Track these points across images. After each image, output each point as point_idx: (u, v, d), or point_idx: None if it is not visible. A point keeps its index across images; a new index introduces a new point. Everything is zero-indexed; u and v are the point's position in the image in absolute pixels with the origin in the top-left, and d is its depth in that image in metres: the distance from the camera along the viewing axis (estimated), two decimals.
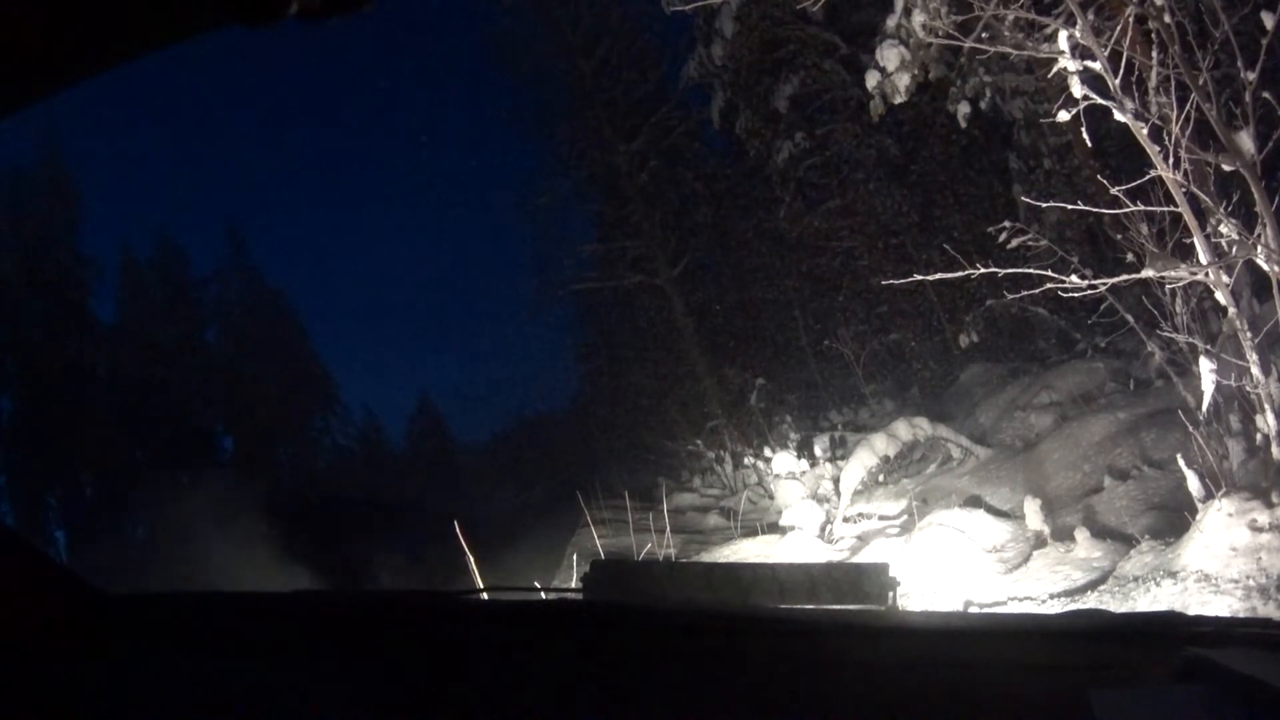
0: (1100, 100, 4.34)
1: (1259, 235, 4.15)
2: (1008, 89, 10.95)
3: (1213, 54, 4.31)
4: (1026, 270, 4.78)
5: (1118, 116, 4.33)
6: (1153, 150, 4.26)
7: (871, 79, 8.99)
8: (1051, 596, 4.91)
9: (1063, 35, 4.45)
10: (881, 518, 7.83)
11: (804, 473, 9.68)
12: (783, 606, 1.40)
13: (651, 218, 16.58)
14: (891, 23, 8.36)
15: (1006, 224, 6.30)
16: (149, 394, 20.69)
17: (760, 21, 14.11)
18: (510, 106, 21.59)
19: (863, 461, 8.05)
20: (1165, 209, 4.51)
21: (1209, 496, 4.57)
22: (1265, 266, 4.17)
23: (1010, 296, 6.32)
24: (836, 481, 8.48)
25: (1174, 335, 4.99)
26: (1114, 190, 4.45)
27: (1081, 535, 5.43)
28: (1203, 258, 4.33)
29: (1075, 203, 5.17)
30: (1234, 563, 4.04)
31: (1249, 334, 4.28)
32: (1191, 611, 3.65)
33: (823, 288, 15.72)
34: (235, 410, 21.42)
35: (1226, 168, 4.24)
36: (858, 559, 6.50)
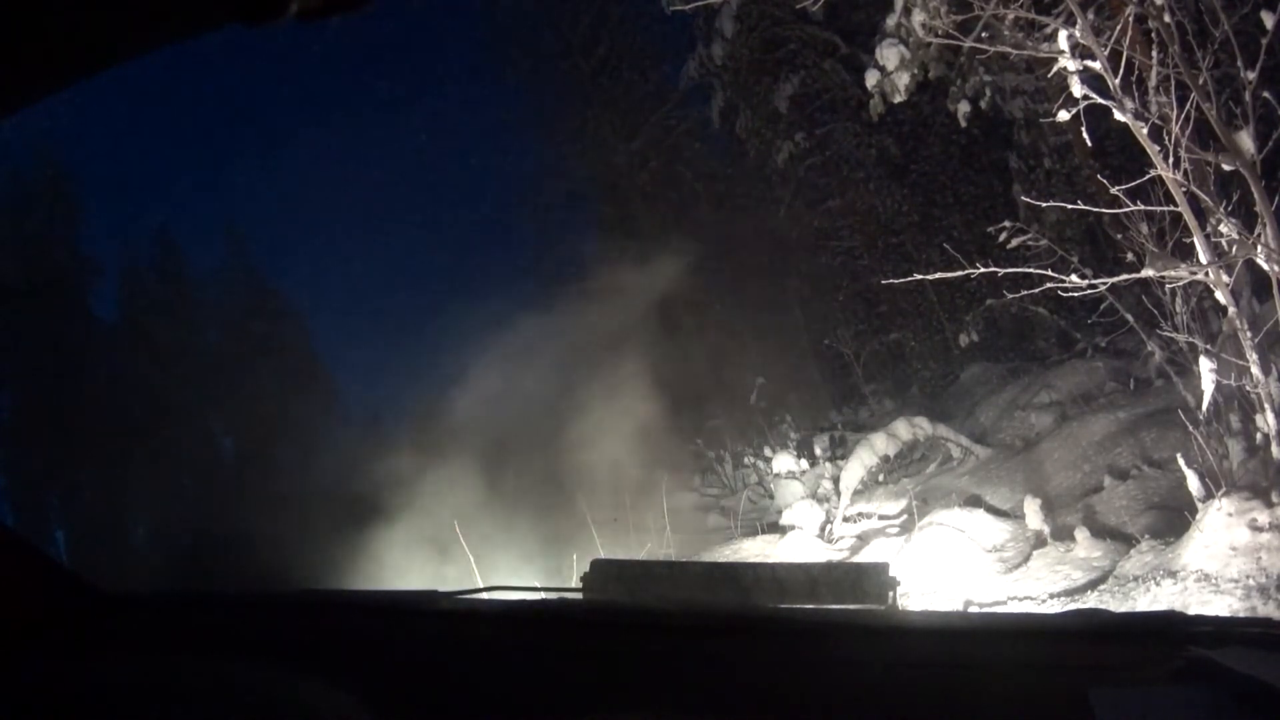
0: (1100, 100, 4.34)
1: (1259, 235, 4.15)
2: (1008, 88, 10.95)
3: (1213, 54, 4.31)
4: (1026, 270, 4.77)
5: (1118, 116, 4.33)
6: (1153, 150, 4.26)
7: (871, 78, 8.99)
8: (1051, 596, 4.91)
9: (1063, 35, 4.45)
10: (881, 517, 7.83)
11: (804, 472, 9.67)
12: (783, 606, 1.40)
13: (651, 218, 16.59)
14: (891, 22, 8.37)
15: (1006, 224, 6.31)
16: (149, 394, 20.68)
17: (760, 21, 14.12)
18: (511, 106, 21.63)
19: (863, 461, 8.04)
20: (1165, 209, 4.51)
21: (1209, 496, 4.56)
22: (1265, 266, 4.17)
23: (1010, 296, 6.33)
24: (836, 481, 8.47)
25: (1174, 335, 4.99)
26: (1114, 190, 4.45)
27: (1081, 535, 5.43)
28: (1203, 257, 4.33)
29: (1075, 202, 5.17)
30: (1234, 562, 4.04)
31: (1249, 333, 4.28)
32: (1191, 611, 3.65)
33: (823, 288, 15.73)
34: (235, 410, 21.42)
35: (1226, 167, 4.24)
36: (858, 559, 6.50)
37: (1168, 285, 4.80)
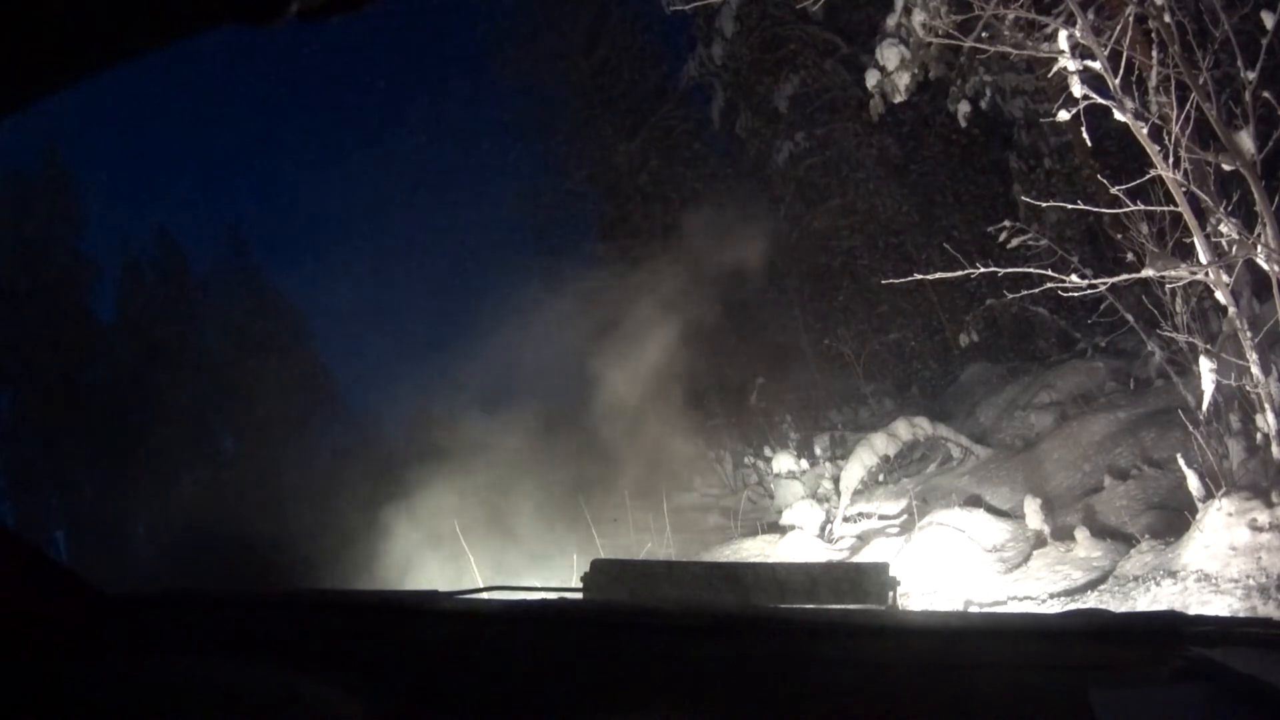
0: (1100, 100, 4.35)
1: (1259, 235, 4.15)
2: (1008, 88, 10.96)
3: (1213, 54, 4.31)
4: (1026, 270, 4.78)
5: (1118, 116, 4.33)
6: (1153, 150, 4.26)
7: (871, 78, 8.99)
8: (1051, 596, 4.91)
9: (1063, 35, 4.45)
10: (881, 517, 7.83)
11: (804, 472, 9.68)
12: (783, 606, 1.40)
13: (651, 218, 16.59)
14: (891, 22, 8.37)
15: (1006, 224, 6.31)
16: (149, 394, 20.68)
17: (760, 21, 14.12)
18: (511, 106, 21.63)
19: (863, 461, 8.05)
20: (1165, 209, 4.51)
21: (1209, 496, 4.56)
22: (1265, 266, 4.17)
23: (1010, 296, 6.33)
24: (836, 481, 8.48)
25: (1174, 335, 4.99)
26: (1114, 190, 4.45)
27: (1081, 535, 5.43)
28: (1203, 257, 4.33)
29: (1075, 202, 5.17)
30: (1234, 562, 4.04)
31: (1249, 333, 4.28)
32: (1191, 611, 3.65)
33: (823, 288, 15.73)
34: (235, 410, 21.43)
35: (1226, 167, 4.24)
36: (858, 559, 6.50)
37: (1168, 285, 4.80)
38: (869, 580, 1.40)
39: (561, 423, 9.91)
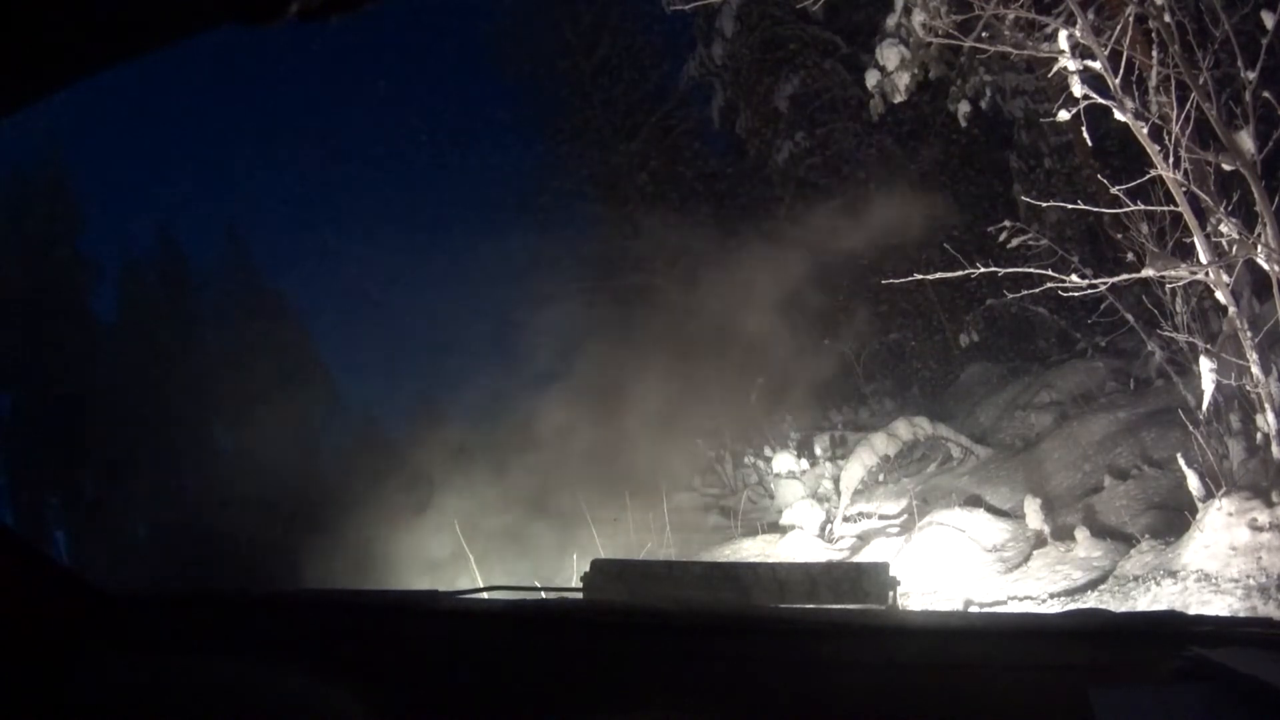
0: (1100, 100, 4.35)
1: (1259, 234, 4.15)
2: (1008, 88, 10.96)
3: (1213, 54, 4.31)
4: (1026, 270, 4.77)
5: (1118, 116, 4.33)
6: (1153, 150, 4.26)
7: (871, 78, 9.00)
8: (1051, 596, 4.91)
9: (1063, 35, 4.45)
10: (881, 517, 7.83)
11: (804, 472, 9.67)
12: (783, 606, 1.40)
13: (651, 218, 16.59)
14: (891, 22, 8.38)
15: (1006, 223, 6.30)
16: (149, 394, 20.67)
17: (760, 21, 14.12)
18: (510, 106, 21.65)
19: (863, 461, 8.05)
20: (1165, 208, 4.51)
21: (1209, 496, 4.56)
22: (1265, 266, 4.17)
23: (1010, 296, 6.33)
24: (836, 481, 8.47)
25: (1174, 335, 4.99)
26: (1114, 190, 4.45)
27: (1081, 535, 5.43)
28: (1203, 257, 4.33)
29: (1075, 202, 5.17)
30: (1234, 562, 4.04)
31: (1249, 333, 4.28)
32: (1191, 611, 3.65)
33: (823, 287, 15.72)
34: (235, 410, 21.41)
35: (1226, 167, 4.24)
36: (858, 559, 6.50)
37: (1168, 285, 4.80)
38: (869, 580, 1.40)
39: (557, 424, 9.90)
